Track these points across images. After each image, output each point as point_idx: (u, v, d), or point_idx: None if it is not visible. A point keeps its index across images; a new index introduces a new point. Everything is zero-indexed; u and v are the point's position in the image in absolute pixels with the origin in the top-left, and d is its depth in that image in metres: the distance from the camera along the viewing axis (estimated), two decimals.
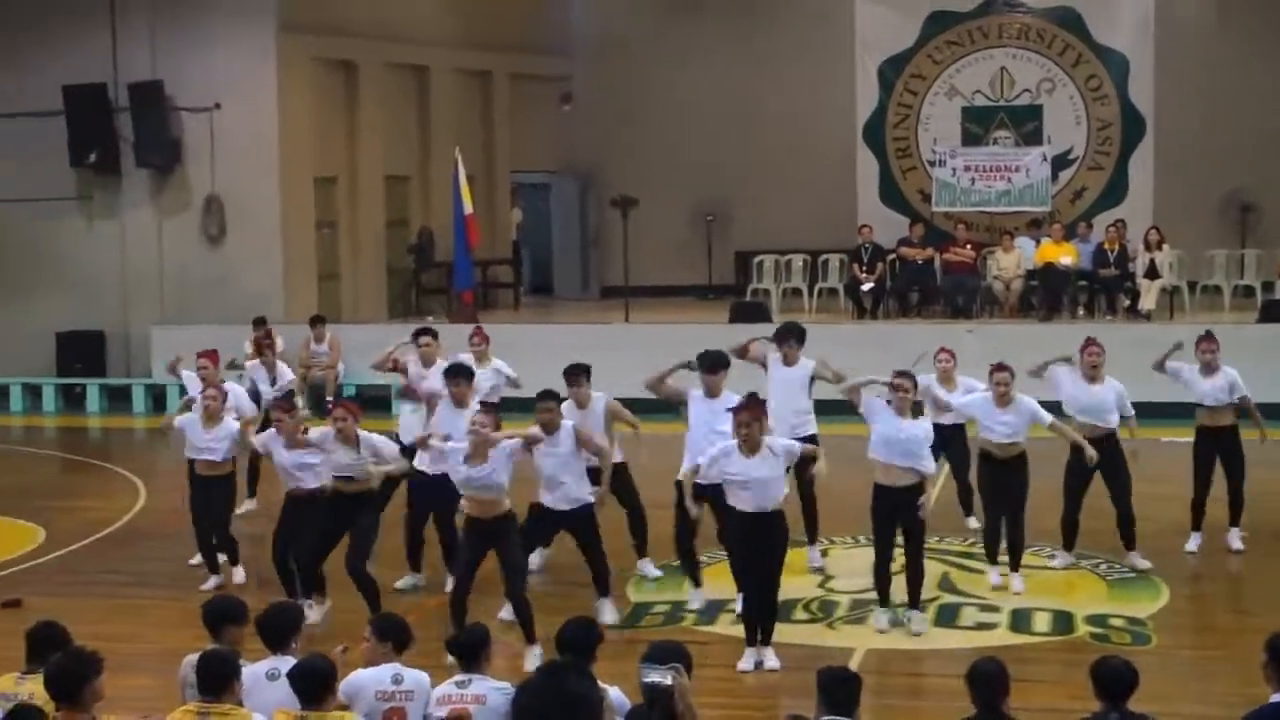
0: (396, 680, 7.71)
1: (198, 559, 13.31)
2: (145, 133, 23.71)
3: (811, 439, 12.31)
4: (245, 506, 15.22)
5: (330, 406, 15.38)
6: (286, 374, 16.42)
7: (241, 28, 23.47)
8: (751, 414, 10.62)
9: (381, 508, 12.20)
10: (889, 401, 11.40)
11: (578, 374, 12.67)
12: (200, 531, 13.14)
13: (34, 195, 24.36)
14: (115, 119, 23.96)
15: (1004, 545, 12.46)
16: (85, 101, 23.79)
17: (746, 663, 10.70)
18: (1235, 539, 13.57)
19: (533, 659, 10.41)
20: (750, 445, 10.56)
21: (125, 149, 24.03)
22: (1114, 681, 7.04)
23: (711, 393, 11.95)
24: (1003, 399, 12.29)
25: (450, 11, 26.74)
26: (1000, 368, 12.47)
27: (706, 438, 11.50)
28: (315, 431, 12.04)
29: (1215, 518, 13.62)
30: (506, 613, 11.13)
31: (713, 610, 12.06)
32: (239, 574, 13.18)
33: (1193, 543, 13.56)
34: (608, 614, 11.60)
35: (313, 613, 11.44)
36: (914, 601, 11.55)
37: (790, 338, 13.30)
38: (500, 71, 28.02)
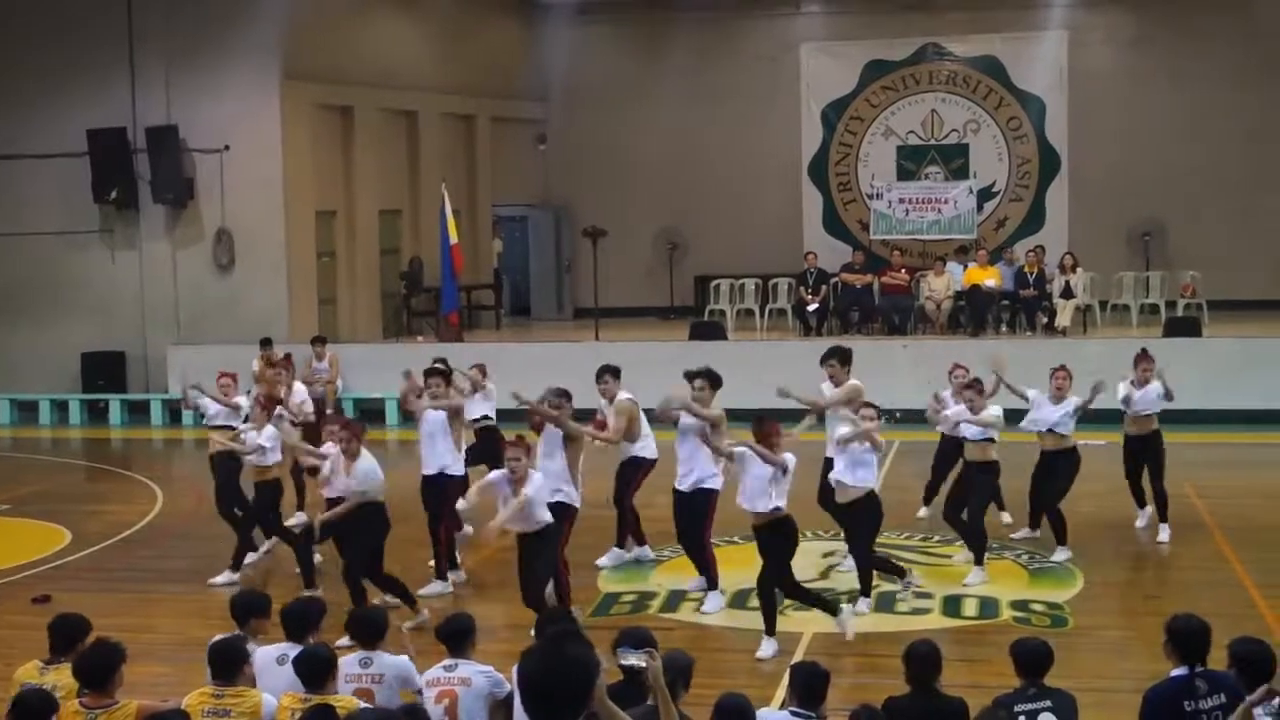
0: (364, 664, 7.69)
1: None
2: (161, 172, 23.61)
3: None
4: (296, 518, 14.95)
5: (332, 419, 15.43)
6: (300, 392, 15.88)
7: (249, 76, 23.40)
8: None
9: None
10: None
11: (603, 374, 12.83)
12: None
13: (61, 229, 24.28)
14: (134, 159, 23.85)
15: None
16: (107, 144, 23.69)
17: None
18: (1164, 532, 13.56)
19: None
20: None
21: (143, 186, 23.92)
22: (1031, 659, 7.07)
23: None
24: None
25: (438, 62, 26.73)
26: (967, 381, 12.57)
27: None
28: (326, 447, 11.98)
29: (1128, 515, 13.69)
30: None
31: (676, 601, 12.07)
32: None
33: (1142, 519, 13.71)
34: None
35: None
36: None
37: (832, 358, 12.97)
38: (482, 115, 28.01)
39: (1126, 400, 13.46)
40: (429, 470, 12.45)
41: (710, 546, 12.04)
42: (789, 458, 10.36)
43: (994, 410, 12.48)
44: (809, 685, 6.85)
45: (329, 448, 11.83)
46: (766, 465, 10.33)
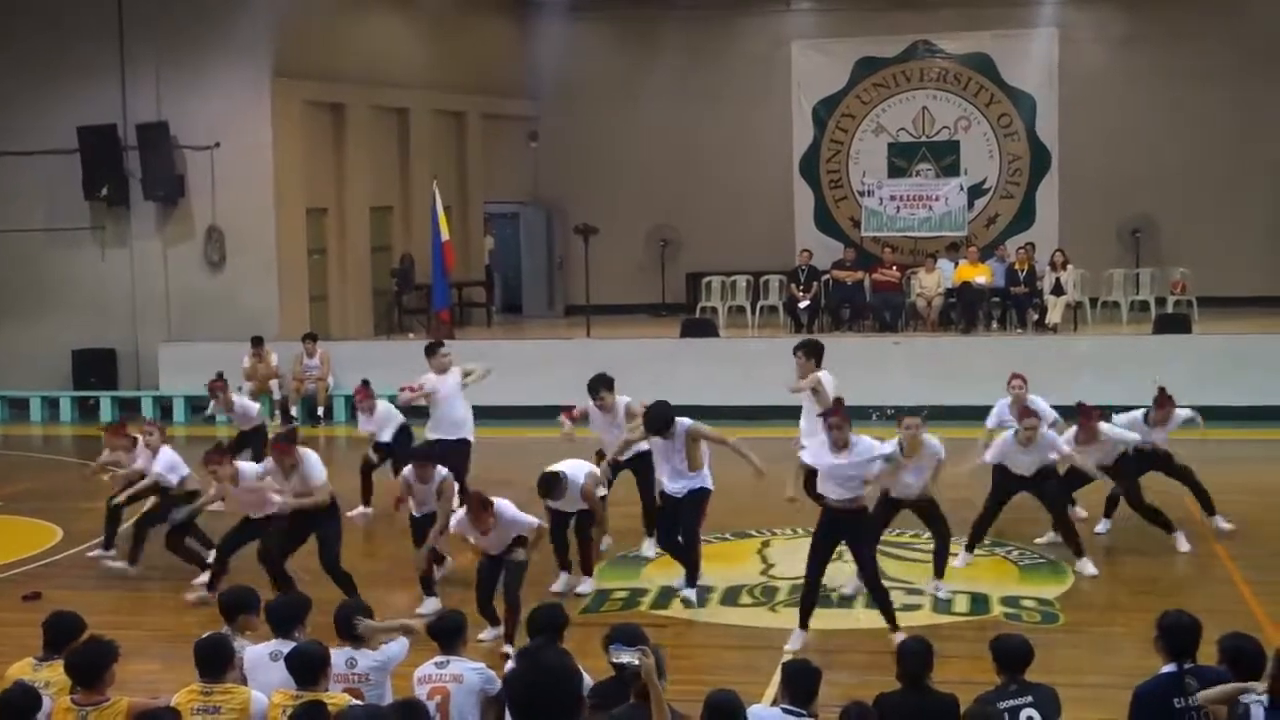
0: (350, 664, 7.69)
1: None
2: (152, 169, 23.56)
3: None
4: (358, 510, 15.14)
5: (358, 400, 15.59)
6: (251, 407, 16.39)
7: (239, 74, 23.35)
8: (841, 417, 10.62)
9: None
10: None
11: (597, 386, 12.85)
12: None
13: (52, 226, 24.23)
14: (125, 156, 23.81)
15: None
16: (97, 141, 23.63)
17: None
18: (1222, 521, 13.60)
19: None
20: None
21: (134, 184, 23.87)
22: (1011, 655, 7.08)
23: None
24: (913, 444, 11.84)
25: (429, 59, 26.70)
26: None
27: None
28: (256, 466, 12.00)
29: (1121, 511, 13.69)
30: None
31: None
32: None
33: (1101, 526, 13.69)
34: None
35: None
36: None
37: (799, 350, 13.21)
38: (473, 112, 27.98)
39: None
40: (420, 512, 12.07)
41: (699, 544, 12.01)
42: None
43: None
44: (801, 682, 6.84)
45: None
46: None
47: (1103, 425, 12.95)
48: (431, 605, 11.42)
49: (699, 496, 11.79)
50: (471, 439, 14.48)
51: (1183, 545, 13.11)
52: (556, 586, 12.06)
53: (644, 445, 12.49)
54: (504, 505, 10.59)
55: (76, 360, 24.12)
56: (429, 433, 14.41)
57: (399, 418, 15.49)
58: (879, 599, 10.63)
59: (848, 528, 10.59)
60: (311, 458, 11.60)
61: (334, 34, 24.36)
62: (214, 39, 23.30)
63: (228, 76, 23.38)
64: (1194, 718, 6.66)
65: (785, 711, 6.75)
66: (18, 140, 24.08)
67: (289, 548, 11.61)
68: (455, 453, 13.78)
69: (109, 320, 24.15)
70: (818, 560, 10.67)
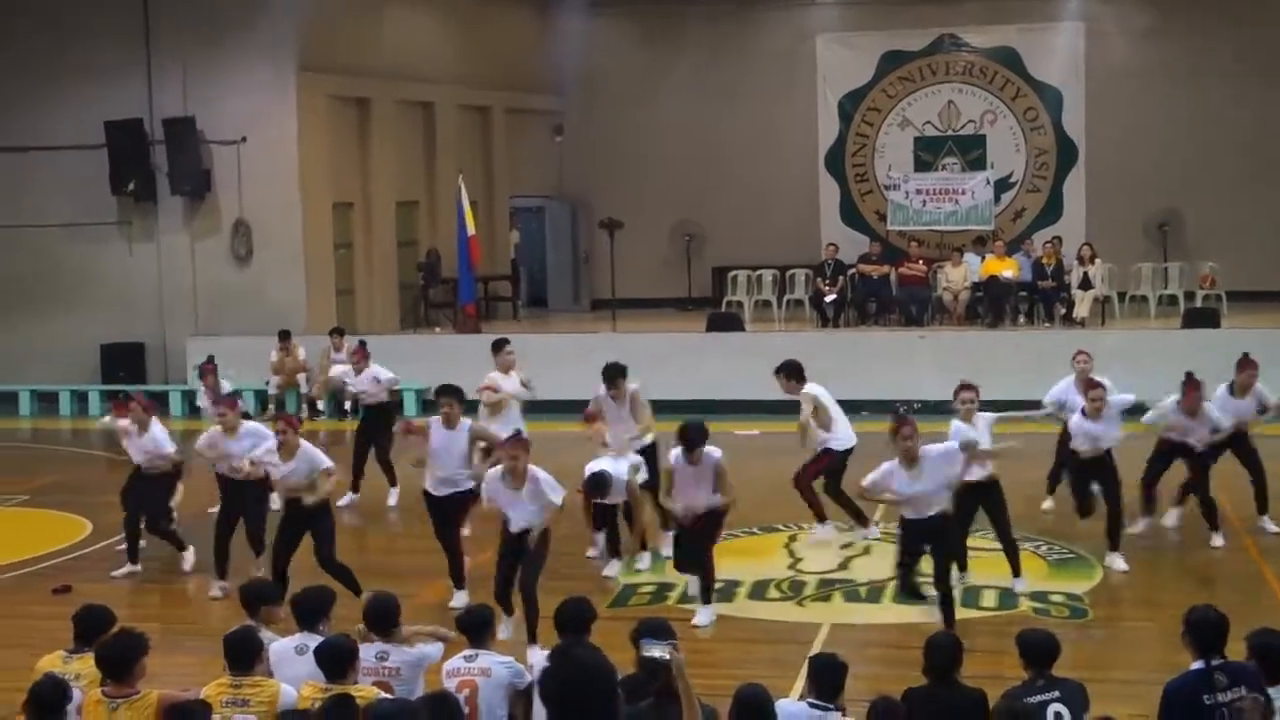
0: (381, 657, 7.70)
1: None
2: (179, 163, 23.64)
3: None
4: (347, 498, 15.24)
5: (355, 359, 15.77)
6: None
7: (265, 68, 23.42)
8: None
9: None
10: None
11: (614, 375, 12.75)
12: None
13: (80, 220, 24.32)
14: (152, 151, 23.90)
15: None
16: (124, 136, 23.73)
17: None
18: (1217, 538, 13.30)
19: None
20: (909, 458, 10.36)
21: (161, 178, 23.97)
22: (1037, 650, 7.05)
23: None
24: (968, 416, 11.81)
25: (454, 54, 26.73)
26: (965, 386, 12.05)
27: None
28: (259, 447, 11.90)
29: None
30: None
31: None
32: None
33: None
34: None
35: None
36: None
37: (779, 373, 13.26)
38: (499, 107, 28.00)
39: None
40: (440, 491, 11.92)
41: (713, 559, 11.50)
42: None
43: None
44: (827, 677, 6.83)
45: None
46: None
47: (1205, 403, 12.85)
48: (461, 599, 11.41)
49: (719, 518, 11.32)
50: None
51: (1217, 541, 13.05)
52: (609, 571, 12.27)
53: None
54: (539, 470, 10.55)
55: (105, 354, 24.24)
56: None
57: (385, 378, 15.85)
58: (944, 599, 10.52)
59: (930, 535, 10.52)
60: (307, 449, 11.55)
61: (359, 29, 24.40)
62: (240, 34, 23.36)
63: (253, 71, 23.44)
64: (1224, 715, 6.63)
65: (812, 706, 6.74)
66: (45, 136, 24.19)
67: (287, 547, 11.40)
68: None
69: (137, 314, 24.25)
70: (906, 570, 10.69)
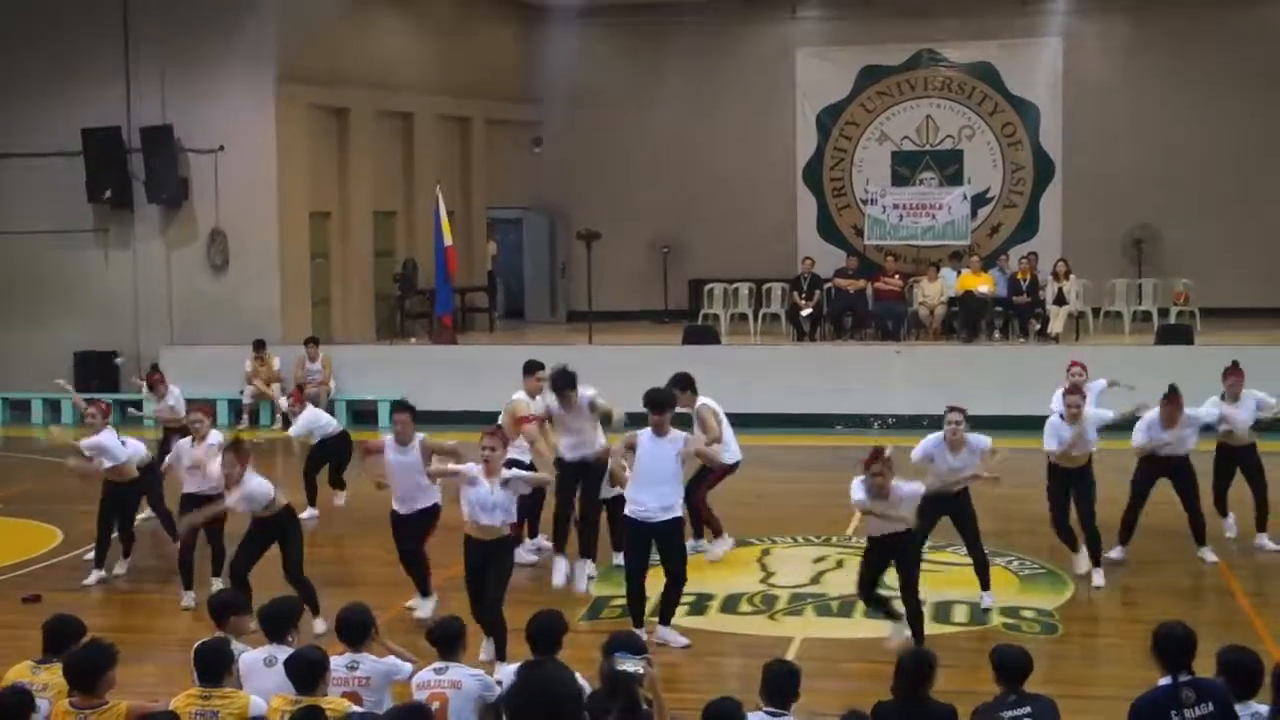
0: (351, 667, 7.70)
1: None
2: (156, 172, 23.59)
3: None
4: (307, 513, 15.01)
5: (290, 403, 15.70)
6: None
7: (244, 77, 23.39)
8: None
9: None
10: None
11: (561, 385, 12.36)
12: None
13: (56, 228, 24.24)
14: (129, 159, 23.84)
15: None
16: (102, 143, 23.67)
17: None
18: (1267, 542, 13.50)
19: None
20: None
21: (137, 186, 23.90)
22: (1011, 666, 7.07)
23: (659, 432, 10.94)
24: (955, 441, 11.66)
25: (434, 64, 26.74)
26: (952, 408, 11.79)
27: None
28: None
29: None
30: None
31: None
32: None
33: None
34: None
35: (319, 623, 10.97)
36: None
37: (675, 387, 12.52)
38: (478, 118, 28.01)
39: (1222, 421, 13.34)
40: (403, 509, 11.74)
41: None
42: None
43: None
44: (778, 684, 6.84)
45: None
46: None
47: (1186, 410, 12.91)
48: (428, 606, 11.37)
49: (679, 525, 11.16)
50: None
51: (1210, 556, 13.14)
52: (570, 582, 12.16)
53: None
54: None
55: (78, 362, 24.11)
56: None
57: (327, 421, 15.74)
58: (912, 612, 10.53)
59: (894, 551, 10.51)
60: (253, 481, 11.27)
61: (339, 39, 24.39)
62: (219, 43, 23.34)
63: (232, 80, 23.42)
64: None
65: (768, 714, 6.75)
66: (22, 142, 24.13)
67: (251, 557, 11.25)
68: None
69: (112, 323, 24.16)
70: (867, 585, 10.63)
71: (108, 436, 13.15)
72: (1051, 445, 12.43)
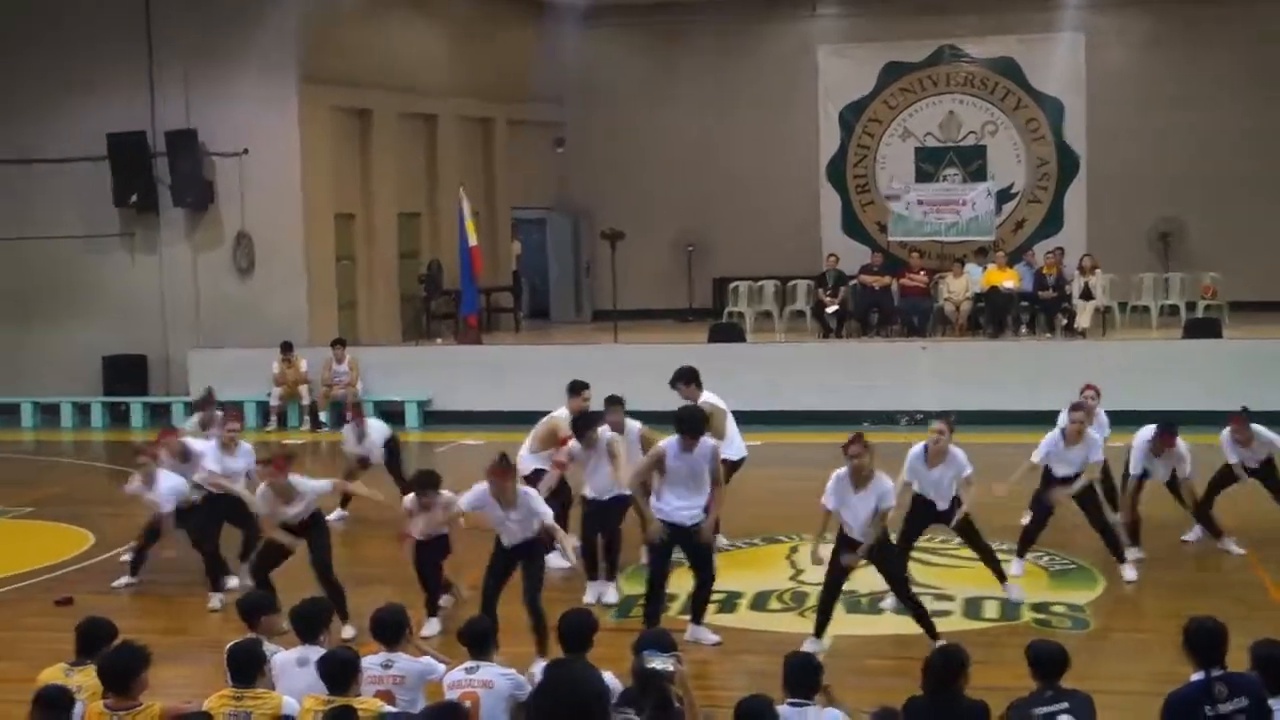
0: (386, 665, 7.73)
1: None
2: (181, 176, 23.68)
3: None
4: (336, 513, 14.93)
5: (349, 418, 15.55)
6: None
7: (267, 81, 23.46)
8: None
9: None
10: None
11: (614, 403, 12.36)
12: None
13: (82, 233, 24.39)
14: (154, 163, 23.93)
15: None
16: (127, 148, 23.77)
17: None
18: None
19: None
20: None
21: (163, 190, 24.01)
22: (1047, 661, 7.05)
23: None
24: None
25: (455, 65, 26.78)
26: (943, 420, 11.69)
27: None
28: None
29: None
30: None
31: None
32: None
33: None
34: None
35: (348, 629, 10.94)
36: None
37: (678, 381, 12.67)
38: (501, 118, 28.05)
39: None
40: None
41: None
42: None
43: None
44: (800, 675, 6.88)
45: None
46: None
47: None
48: (433, 627, 11.16)
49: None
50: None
51: (1234, 548, 13.14)
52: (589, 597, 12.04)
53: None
54: (528, 490, 10.49)
55: (107, 366, 24.25)
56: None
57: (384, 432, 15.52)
58: (914, 612, 10.59)
59: (871, 555, 10.49)
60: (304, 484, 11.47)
61: (361, 41, 24.45)
62: (242, 46, 23.41)
63: (255, 83, 23.49)
64: None
65: (792, 705, 6.78)
66: (48, 148, 24.24)
67: (274, 558, 11.33)
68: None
69: (139, 326, 24.27)
70: (831, 590, 10.60)
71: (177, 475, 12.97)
72: (1036, 458, 12.45)
